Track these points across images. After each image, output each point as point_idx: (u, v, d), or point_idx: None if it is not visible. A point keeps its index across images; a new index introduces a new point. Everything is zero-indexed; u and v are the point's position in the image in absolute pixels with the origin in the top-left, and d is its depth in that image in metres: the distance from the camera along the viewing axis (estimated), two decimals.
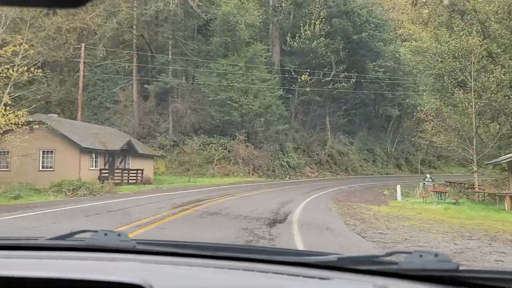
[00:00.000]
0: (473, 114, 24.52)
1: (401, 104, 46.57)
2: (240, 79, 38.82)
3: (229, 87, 38.52)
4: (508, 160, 18.14)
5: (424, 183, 25.00)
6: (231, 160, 37.57)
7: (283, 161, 40.88)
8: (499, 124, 26.10)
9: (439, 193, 20.85)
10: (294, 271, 1.30)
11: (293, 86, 43.59)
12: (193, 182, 30.79)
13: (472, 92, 24.69)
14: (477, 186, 24.16)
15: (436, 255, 1.21)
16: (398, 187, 21.52)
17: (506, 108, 24.63)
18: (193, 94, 42.14)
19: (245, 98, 38.24)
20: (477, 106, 24.53)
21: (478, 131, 25.89)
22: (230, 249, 1.64)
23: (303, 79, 42.42)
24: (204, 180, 32.61)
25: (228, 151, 37.88)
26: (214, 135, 38.59)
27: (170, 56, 41.49)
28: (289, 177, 39.45)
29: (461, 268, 1.18)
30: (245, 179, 34.59)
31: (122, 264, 1.39)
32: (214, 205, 15.37)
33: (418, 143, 38.05)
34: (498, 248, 8.71)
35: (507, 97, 24.47)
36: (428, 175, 26.09)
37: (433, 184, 24.69)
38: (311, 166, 43.70)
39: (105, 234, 1.54)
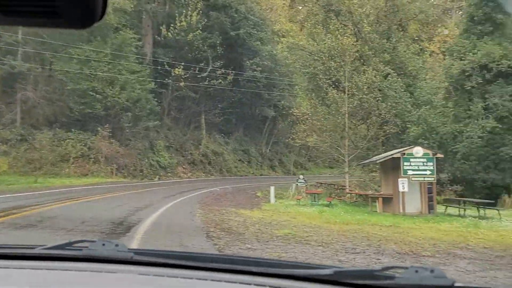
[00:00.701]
0: (346, 114, 24.28)
1: (277, 105, 46.37)
2: (106, 68, 34.55)
3: (92, 76, 33.99)
4: (382, 160, 17.64)
5: (297, 184, 24.09)
6: (91, 158, 33.09)
7: (153, 160, 37.51)
8: (368, 126, 26.35)
9: (313, 194, 19.80)
10: (291, 285, 1.30)
11: (167, 80, 40.42)
12: (40, 183, 25.98)
13: (346, 92, 24.46)
14: (348, 187, 23.87)
15: (432, 270, 1.22)
16: (272, 189, 20.00)
17: (376, 110, 24.81)
18: (48, 82, 36.51)
19: (111, 90, 34.07)
20: (349, 106, 24.33)
21: (350, 132, 25.81)
22: (228, 260, 1.59)
23: (177, 73, 39.51)
24: (56, 181, 27.87)
25: (89, 148, 33.30)
26: (72, 130, 33.64)
27: (20, 36, 35.33)
28: (159, 178, 36.23)
29: (456, 284, 1.18)
30: (106, 179, 30.56)
31: (119, 276, 1.38)
32: (40, 213, 11.88)
33: (291, 144, 37.81)
34: (389, 265, 6.97)
35: (376, 99, 24.68)
36: (301, 176, 25.22)
37: (306, 185, 23.88)
38: (184, 166, 40.98)
39: (103, 244, 1.52)
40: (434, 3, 51.51)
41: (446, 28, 52.05)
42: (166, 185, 29.84)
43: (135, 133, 37.09)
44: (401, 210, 15.99)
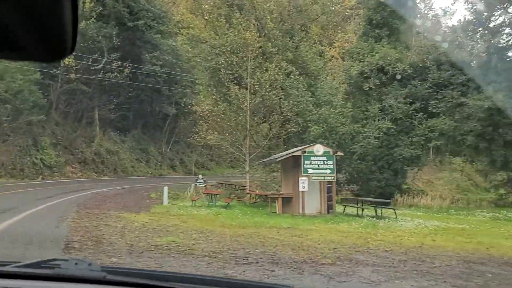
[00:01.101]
0: (248, 112, 23.29)
1: (179, 102, 44.26)
2: None
3: None
4: (282, 158, 16.76)
5: (196, 184, 22.55)
6: None
7: (36, 159, 33.41)
8: (270, 124, 25.66)
9: (210, 195, 18.38)
10: None
11: (55, 71, 36.36)
12: None
13: (248, 88, 23.47)
14: (248, 188, 22.86)
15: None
16: (165, 190, 18.20)
17: (278, 108, 24.16)
18: None
19: None
20: (251, 103, 23.38)
21: (252, 131, 24.90)
22: (199, 280, 1.60)
23: (67, 63, 35.68)
24: None
25: None
26: None
27: None
28: (42, 178, 32.31)
29: None
30: None
31: None
32: None
33: (193, 143, 36.11)
34: (284, 277, 5.80)
35: (279, 98, 24.05)
36: (200, 176, 23.71)
37: (205, 186, 22.44)
38: (73, 165, 37.19)
39: (76, 263, 1.50)
40: (334, 9, 53.05)
41: (346, 34, 54.14)
42: (49, 185, 26.47)
43: (15, 128, 32.75)
44: (301, 211, 15.22)
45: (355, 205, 16.91)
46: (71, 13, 0.84)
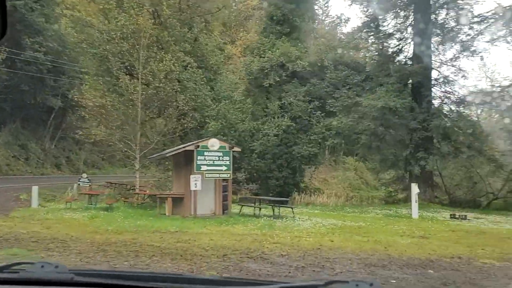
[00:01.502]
0: (139, 104, 21.28)
1: (66, 94, 40.08)
2: None
3: None
4: (174, 153, 15.14)
5: (79, 184, 20.00)
6: None
7: None
8: (165, 119, 23.84)
9: (90, 196, 16.17)
10: None
11: None
12: None
13: (140, 79, 21.46)
14: (138, 187, 20.84)
15: (371, 284, 1.24)
16: (34, 190, 15.59)
17: (174, 102, 22.46)
18: None
19: None
20: (144, 95, 21.40)
21: (145, 125, 22.89)
22: (172, 279, 1.58)
23: None
24: None
25: None
26: None
27: None
28: None
29: None
30: None
31: None
32: None
33: (83, 140, 32.76)
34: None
35: (175, 90, 22.38)
36: (84, 175, 21.09)
37: (90, 185, 19.96)
38: None
39: (42, 266, 1.47)
40: (237, 8, 52.41)
41: (248, 33, 53.78)
42: None
43: None
44: (193, 212, 13.78)
45: (252, 205, 15.91)
46: None
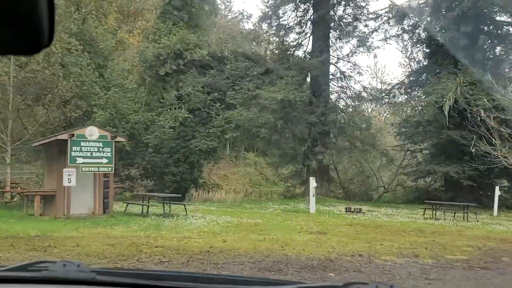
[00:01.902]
0: (11, 89, 18.40)
1: None
2: None
3: None
4: (43, 143, 12.92)
5: None
6: None
7: None
8: (45, 107, 21.03)
9: None
10: None
11: None
12: None
13: (12, 59, 18.53)
14: (9, 184, 17.96)
15: (391, 286, 1.23)
16: None
17: (55, 88, 19.82)
18: None
19: None
20: (17, 78, 18.56)
21: (19, 113, 19.99)
22: (190, 278, 1.61)
23: None
24: None
25: None
26: None
27: None
28: None
29: None
30: None
31: None
32: None
33: None
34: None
35: (56, 75, 19.77)
36: None
37: None
38: None
39: (64, 265, 1.45)
40: None
41: (147, 22, 50.95)
42: None
43: None
44: (66, 212, 11.80)
45: (140, 203, 14.26)
46: (46, 4, 0.80)
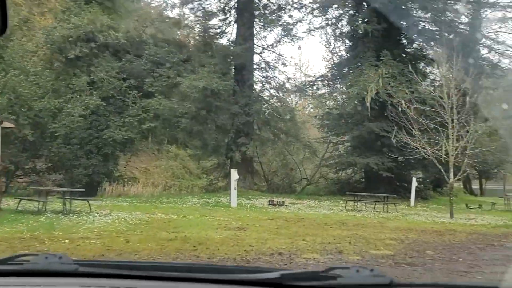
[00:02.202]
0: None
1: None
2: None
3: None
4: None
5: None
6: None
7: None
8: None
9: None
10: None
11: None
12: None
13: None
14: None
15: (371, 270, 1.25)
16: None
17: None
18: None
19: None
20: None
21: None
22: (171, 268, 1.61)
23: None
24: None
25: None
26: None
27: None
28: None
29: (394, 282, 1.19)
30: None
31: None
32: None
33: None
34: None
35: None
36: None
37: None
38: None
39: (46, 258, 1.45)
40: None
41: (56, 1, 47.14)
42: None
43: None
44: None
45: (36, 199, 12.48)
46: None
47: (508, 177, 58.52)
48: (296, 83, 26.83)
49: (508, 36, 23.76)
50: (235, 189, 15.80)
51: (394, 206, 16.34)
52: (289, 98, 30.15)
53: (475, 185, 44.87)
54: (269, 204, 17.12)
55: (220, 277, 1.37)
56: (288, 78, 25.35)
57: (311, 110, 36.72)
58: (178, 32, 27.14)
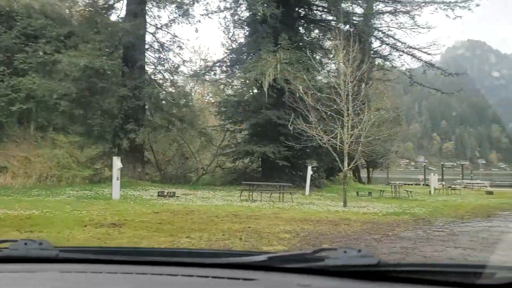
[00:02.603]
0: None
1: None
2: None
3: None
4: None
5: None
6: None
7: None
8: None
9: None
10: (219, 274, 1.25)
11: None
12: None
13: None
14: None
15: (359, 250, 1.24)
16: None
17: None
18: None
19: None
20: None
21: None
22: (155, 252, 1.61)
23: None
24: None
25: None
26: None
27: None
28: None
29: (382, 262, 1.20)
30: None
31: (41, 275, 1.30)
32: None
33: None
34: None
35: None
36: None
37: None
38: None
39: (25, 244, 1.41)
40: None
41: None
42: None
43: None
44: None
45: None
46: None
47: (391, 166, 63.07)
48: (193, 68, 25.43)
49: (397, 30, 24.58)
50: (118, 179, 14.07)
51: (290, 195, 15.84)
52: (186, 84, 28.60)
53: (363, 173, 47.48)
54: (158, 196, 15.64)
55: (206, 261, 1.33)
56: (184, 61, 23.70)
57: (211, 98, 35.52)
58: (59, 4, 24.04)
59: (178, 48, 25.27)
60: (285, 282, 1.23)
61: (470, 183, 38.86)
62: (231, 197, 16.22)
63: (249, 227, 8.76)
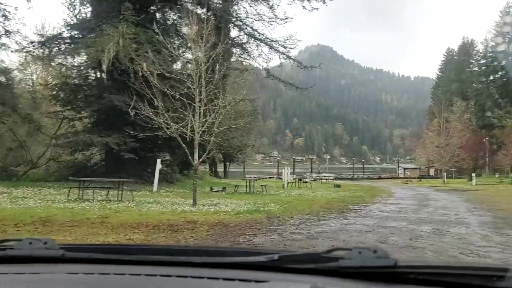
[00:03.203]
0: None
1: None
2: None
3: None
4: None
5: None
6: None
7: None
8: None
9: None
10: (230, 275, 1.20)
11: None
12: None
13: None
14: None
15: (375, 251, 1.20)
16: None
17: None
18: None
19: None
20: None
21: None
22: (162, 250, 1.52)
23: None
24: None
25: None
26: None
27: None
28: None
29: (399, 264, 1.15)
30: None
31: (47, 276, 1.23)
32: None
33: None
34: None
35: None
36: None
37: None
38: None
39: (30, 243, 1.32)
40: None
41: None
42: None
43: None
44: None
45: None
46: None
47: (247, 161, 63.78)
48: (20, 40, 21.13)
49: (257, 22, 23.79)
50: None
51: (131, 193, 13.51)
52: (8, 58, 23.89)
53: (220, 168, 46.85)
54: None
55: (216, 261, 1.28)
56: (6, 31, 19.39)
57: (50, 80, 30.75)
58: None
59: (3, 17, 20.74)
60: (298, 283, 1.20)
61: (318, 176, 40.72)
62: (58, 196, 13.27)
63: (56, 239, 6.36)
